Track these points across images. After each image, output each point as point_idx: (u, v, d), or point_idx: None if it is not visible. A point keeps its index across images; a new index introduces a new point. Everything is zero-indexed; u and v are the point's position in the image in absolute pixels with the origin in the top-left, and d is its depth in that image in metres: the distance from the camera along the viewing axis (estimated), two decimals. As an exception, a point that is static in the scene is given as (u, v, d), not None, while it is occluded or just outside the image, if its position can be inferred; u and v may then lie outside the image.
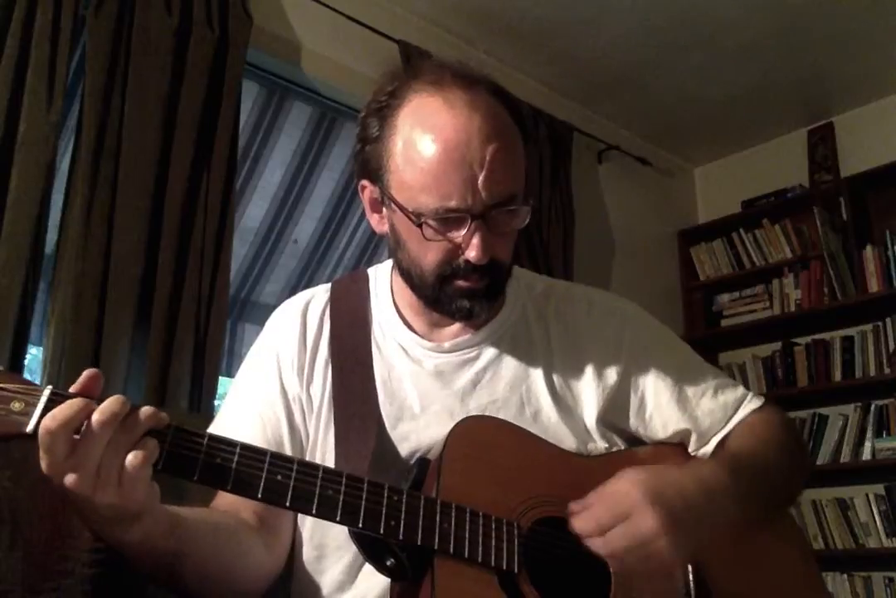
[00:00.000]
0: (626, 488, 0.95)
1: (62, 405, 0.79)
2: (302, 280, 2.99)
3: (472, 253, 1.01)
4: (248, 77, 2.65)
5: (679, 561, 1.01)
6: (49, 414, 0.78)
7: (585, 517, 0.95)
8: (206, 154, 2.35)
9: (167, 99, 2.29)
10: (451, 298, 1.06)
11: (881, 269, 3.53)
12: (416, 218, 1.01)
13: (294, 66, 2.79)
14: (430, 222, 1.01)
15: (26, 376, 2.21)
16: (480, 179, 0.99)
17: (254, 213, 2.85)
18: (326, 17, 2.81)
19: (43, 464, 0.79)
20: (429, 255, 1.04)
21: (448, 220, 1.01)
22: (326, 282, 1.25)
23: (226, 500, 1.04)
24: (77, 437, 0.79)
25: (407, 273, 1.10)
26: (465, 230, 1.01)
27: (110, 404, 0.80)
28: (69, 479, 0.78)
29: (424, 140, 1.00)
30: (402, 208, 1.03)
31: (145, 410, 0.82)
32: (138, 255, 2.17)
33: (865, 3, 3.19)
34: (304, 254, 2.99)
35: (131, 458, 0.80)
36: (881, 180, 3.67)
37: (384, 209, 1.09)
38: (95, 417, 0.78)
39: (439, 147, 0.99)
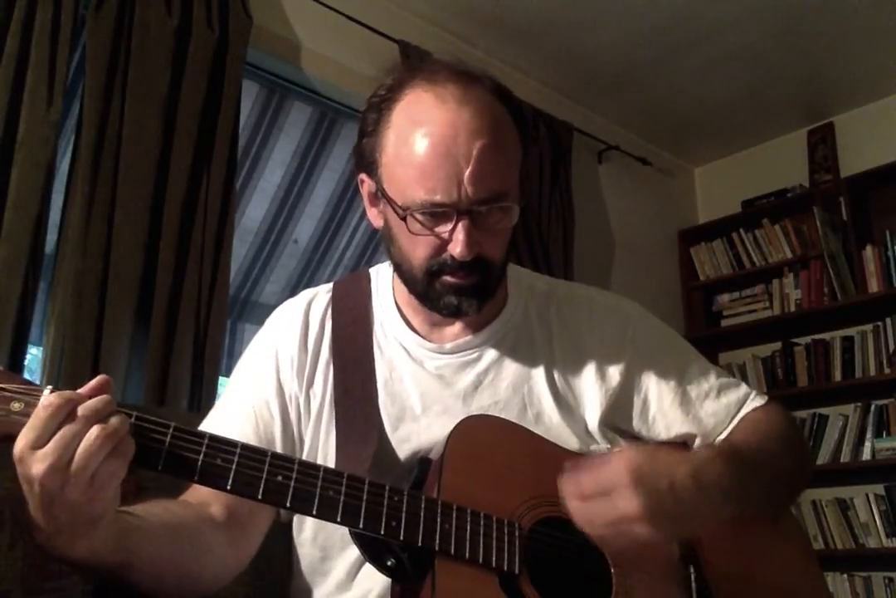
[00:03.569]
0: (618, 465, 0.93)
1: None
2: (302, 280, 2.99)
3: (456, 248, 1.01)
4: (248, 77, 2.64)
5: (657, 545, 0.99)
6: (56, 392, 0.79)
7: (572, 480, 0.94)
8: (206, 154, 2.34)
9: (167, 99, 2.29)
10: (440, 293, 1.06)
11: (881, 269, 3.53)
12: (402, 211, 1.02)
13: (294, 66, 2.78)
14: (418, 216, 1.01)
15: (26, 375, 2.21)
16: (466, 174, 0.99)
17: (254, 213, 2.85)
18: (326, 17, 2.81)
19: (19, 444, 0.77)
20: (417, 249, 1.05)
21: (435, 214, 1.01)
22: (326, 282, 1.25)
23: (197, 491, 1.03)
24: None
25: (398, 268, 1.11)
26: (451, 225, 1.01)
27: (94, 401, 0.80)
28: (40, 466, 0.76)
29: (414, 134, 1.01)
30: (391, 202, 1.04)
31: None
32: (138, 254, 2.16)
33: (865, 3, 3.19)
34: (304, 254, 2.98)
35: (111, 459, 0.79)
36: (881, 180, 3.67)
37: (380, 203, 1.10)
38: (79, 410, 0.78)
39: (427, 141, 1.00)
